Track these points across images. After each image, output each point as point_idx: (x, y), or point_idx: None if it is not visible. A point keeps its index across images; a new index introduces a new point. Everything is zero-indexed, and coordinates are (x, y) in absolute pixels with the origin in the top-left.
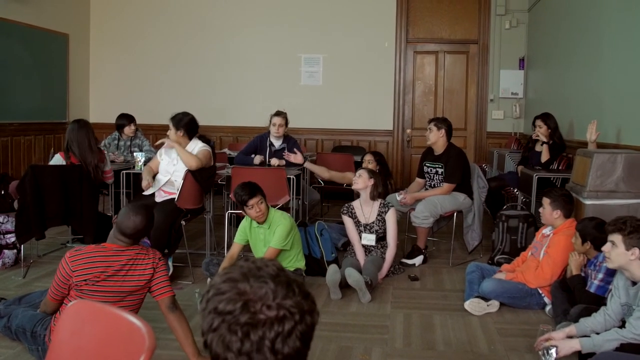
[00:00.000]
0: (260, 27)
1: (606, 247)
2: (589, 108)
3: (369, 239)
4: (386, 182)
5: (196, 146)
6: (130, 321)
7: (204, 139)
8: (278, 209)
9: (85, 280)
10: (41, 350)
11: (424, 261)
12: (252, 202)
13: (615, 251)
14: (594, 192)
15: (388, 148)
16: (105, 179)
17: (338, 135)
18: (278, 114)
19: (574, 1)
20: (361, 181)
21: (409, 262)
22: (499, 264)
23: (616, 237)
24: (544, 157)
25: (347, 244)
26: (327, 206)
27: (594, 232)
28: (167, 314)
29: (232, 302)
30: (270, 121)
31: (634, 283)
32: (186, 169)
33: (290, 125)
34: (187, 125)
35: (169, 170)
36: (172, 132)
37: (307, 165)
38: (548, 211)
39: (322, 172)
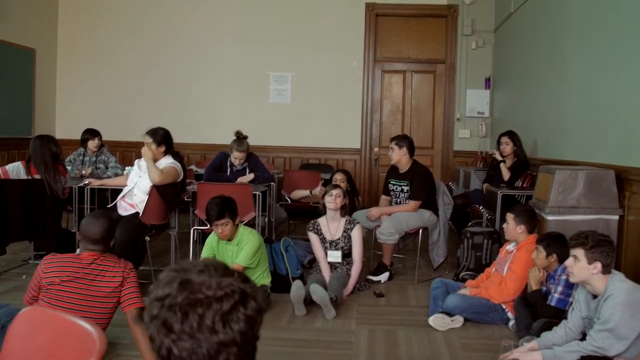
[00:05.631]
0: (229, 44)
1: (569, 262)
2: (552, 127)
3: (335, 255)
4: (354, 200)
5: (165, 162)
6: (82, 326)
7: (178, 156)
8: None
9: (51, 282)
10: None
11: (390, 278)
12: (217, 222)
13: (578, 265)
14: (556, 208)
15: (356, 166)
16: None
17: (306, 154)
18: (239, 145)
19: (539, 22)
20: (340, 201)
21: (375, 278)
22: (464, 280)
23: (578, 252)
24: (505, 175)
25: (313, 260)
26: (294, 224)
27: (557, 245)
28: (132, 325)
29: (169, 284)
30: (231, 148)
31: (594, 296)
32: (149, 185)
33: (258, 143)
34: (166, 140)
35: (134, 180)
36: (152, 146)
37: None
38: (512, 226)
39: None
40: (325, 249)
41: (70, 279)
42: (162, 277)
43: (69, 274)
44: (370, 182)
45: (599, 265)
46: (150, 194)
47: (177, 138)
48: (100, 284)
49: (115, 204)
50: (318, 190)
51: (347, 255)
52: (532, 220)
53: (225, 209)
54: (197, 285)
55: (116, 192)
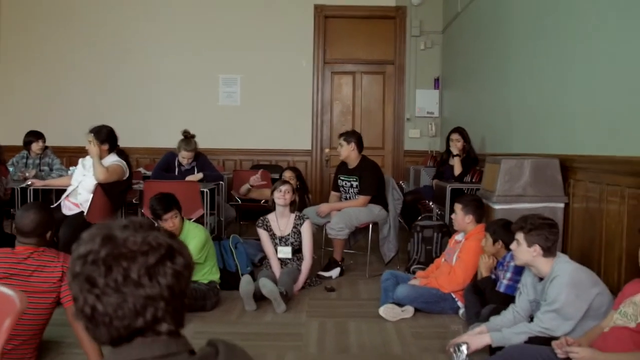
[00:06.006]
0: (177, 47)
1: (513, 246)
2: (498, 122)
3: (285, 251)
4: (304, 197)
5: (109, 160)
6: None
7: (123, 154)
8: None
9: None
10: None
11: (341, 273)
12: (166, 216)
13: (520, 249)
14: (503, 197)
15: (307, 167)
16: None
17: (256, 156)
18: (187, 144)
19: (484, 22)
20: (289, 197)
21: (326, 274)
22: (415, 273)
23: (519, 235)
24: (457, 170)
25: (264, 259)
26: (245, 225)
27: (503, 232)
28: (73, 322)
29: (92, 240)
30: (179, 148)
31: (541, 279)
32: (94, 183)
33: (208, 146)
34: (110, 138)
35: (78, 179)
36: (97, 144)
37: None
38: (460, 216)
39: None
40: (275, 245)
41: (5, 276)
42: (84, 235)
43: (4, 271)
44: (322, 183)
45: (537, 247)
46: (95, 192)
47: (126, 142)
48: (39, 280)
49: (60, 204)
50: (256, 177)
51: (297, 251)
52: (479, 210)
53: (170, 201)
54: (121, 239)
55: (61, 194)
